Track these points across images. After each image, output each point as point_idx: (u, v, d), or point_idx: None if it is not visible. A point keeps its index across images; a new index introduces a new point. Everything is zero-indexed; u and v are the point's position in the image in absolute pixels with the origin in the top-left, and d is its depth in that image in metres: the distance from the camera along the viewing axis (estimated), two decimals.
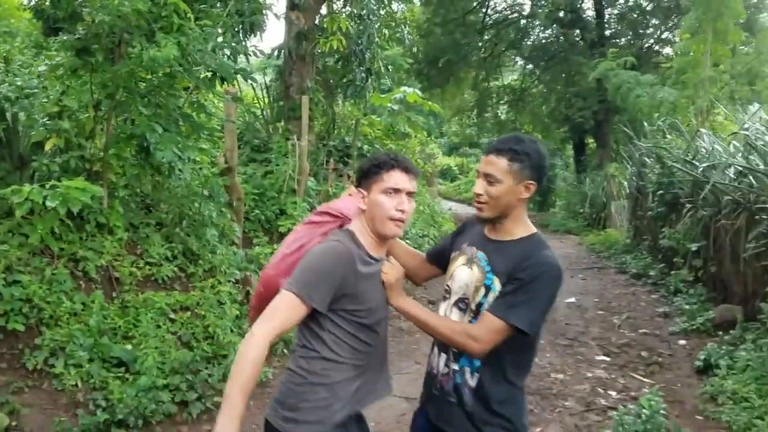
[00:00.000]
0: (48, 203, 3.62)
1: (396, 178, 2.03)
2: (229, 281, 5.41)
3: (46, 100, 4.64)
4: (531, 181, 2.02)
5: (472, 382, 2.06)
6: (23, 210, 3.67)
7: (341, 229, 2.13)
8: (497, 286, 2.02)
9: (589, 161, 21.92)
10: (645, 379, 5.28)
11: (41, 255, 4.19)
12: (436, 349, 2.21)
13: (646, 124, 11.72)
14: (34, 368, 3.73)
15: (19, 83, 4.53)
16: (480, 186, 2.05)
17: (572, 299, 8.32)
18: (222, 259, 5.47)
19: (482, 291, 2.05)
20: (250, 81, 6.63)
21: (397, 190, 2.03)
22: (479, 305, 2.05)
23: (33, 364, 3.72)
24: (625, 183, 13.44)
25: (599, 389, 5.05)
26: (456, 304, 2.13)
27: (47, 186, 3.70)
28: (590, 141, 23.60)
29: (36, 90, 4.63)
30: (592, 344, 6.30)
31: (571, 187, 21.35)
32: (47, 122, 4.60)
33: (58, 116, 4.65)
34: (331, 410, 1.98)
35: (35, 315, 3.87)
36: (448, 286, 2.19)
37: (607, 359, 5.84)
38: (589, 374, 5.39)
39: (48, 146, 4.53)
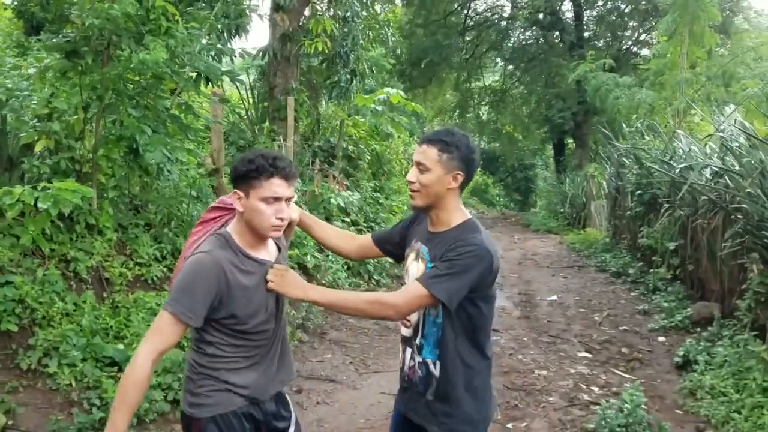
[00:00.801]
0: (40, 204, 3.61)
1: (276, 186, 1.99)
2: None
3: (35, 102, 4.64)
4: (459, 172, 2.13)
5: (437, 371, 2.17)
6: (15, 211, 3.68)
7: (215, 235, 2.10)
8: None
9: (568, 161, 22.12)
10: (626, 375, 5.41)
11: (32, 256, 4.21)
12: (401, 345, 2.33)
13: (624, 125, 11.90)
14: (29, 368, 3.76)
15: (9, 85, 4.53)
16: (412, 174, 2.16)
17: (554, 297, 8.46)
18: None
19: None
20: (236, 82, 6.67)
21: (276, 199, 2.01)
22: None
23: (27, 364, 3.75)
24: (604, 183, 13.59)
25: (582, 385, 5.16)
26: None
27: (39, 187, 3.71)
28: (570, 141, 23.85)
29: (25, 92, 4.63)
30: (574, 341, 6.42)
31: (551, 187, 21.55)
32: (37, 124, 4.60)
33: (48, 118, 4.65)
34: (230, 395, 2.06)
35: (28, 315, 3.90)
36: (405, 281, 2.31)
37: (589, 356, 5.96)
38: (572, 370, 5.51)
39: (37, 148, 4.54)
